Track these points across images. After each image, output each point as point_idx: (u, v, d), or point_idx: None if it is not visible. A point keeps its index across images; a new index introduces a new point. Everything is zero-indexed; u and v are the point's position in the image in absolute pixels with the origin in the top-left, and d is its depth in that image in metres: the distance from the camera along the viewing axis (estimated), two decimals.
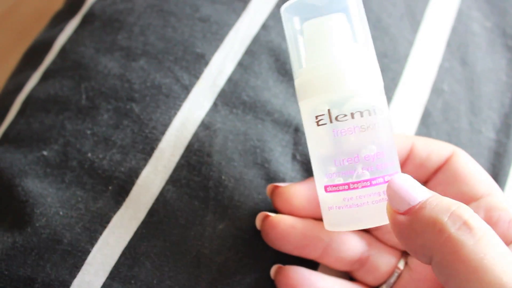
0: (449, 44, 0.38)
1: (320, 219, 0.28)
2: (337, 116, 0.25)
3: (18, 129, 0.34)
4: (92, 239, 0.30)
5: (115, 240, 0.30)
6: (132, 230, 0.30)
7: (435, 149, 0.29)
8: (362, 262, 0.29)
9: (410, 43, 0.37)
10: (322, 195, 0.27)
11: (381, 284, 0.30)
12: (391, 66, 0.36)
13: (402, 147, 0.29)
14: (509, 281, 0.20)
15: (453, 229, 0.21)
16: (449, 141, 0.35)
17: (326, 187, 0.26)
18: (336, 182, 0.26)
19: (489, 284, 0.20)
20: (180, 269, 0.29)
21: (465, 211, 0.22)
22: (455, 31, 0.39)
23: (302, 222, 0.29)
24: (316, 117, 0.26)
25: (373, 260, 0.29)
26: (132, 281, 0.29)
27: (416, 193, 0.23)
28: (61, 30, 0.38)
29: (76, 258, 0.29)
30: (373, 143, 0.25)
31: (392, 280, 0.29)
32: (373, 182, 0.25)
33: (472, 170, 0.28)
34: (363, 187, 0.25)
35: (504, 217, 0.26)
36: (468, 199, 0.28)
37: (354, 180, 0.25)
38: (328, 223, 0.27)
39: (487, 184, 0.28)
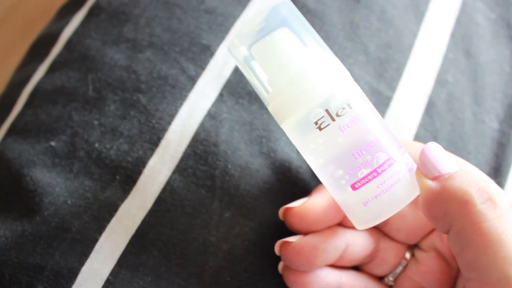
0: (453, 35, 0.38)
1: (337, 223, 0.28)
2: (337, 111, 0.25)
3: (26, 120, 0.34)
4: (100, 228, 0.30)
5: (122, 228, 0.30)
6: (139, 219, 0.30)
7: (415, 153, 0.27)
8: (372, 256, 0.30)
9: (415, 34, 0.37)
10: (348, 196, 0.26)
11: (388, 274, 0.30)
12: (396, 57, 0.36)
13: None
14: None
15: (479, 202, 0.22)
16: (453, 131, 0.35)
17: (353, 185, 0.26)
18: (361, 175, 0.25)
19: (504, 259, 0.21)
20: (187, 256, 0.30)
21: (493, 188, 0.23)
22: (459, 22, 0.39)
23: (322, 237, 0.28)
24: (316, 122, 0.25)
25: (382, 254, 0.30)
26: (140, 269, 0.29)
27: (447, 163, 0.24)
28: (67, 22, 0.39)
29: (84, 246, 0.30)
30: (377, 124, 0.26)
31: (398, 270, 0.30)
32: (393, 159, 0.25)
33: None
34: (389, 166, 0.25)
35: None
36: None
37: (378, 164, 0.25)
38: (363, 221, 0.26)
39: None
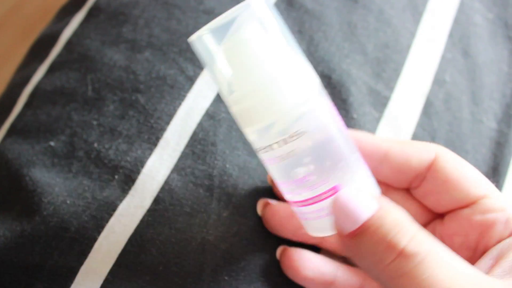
0: (451, 35, 0.38)
1: None
2: (260, 148, 0.24)
3: (26, 121, 0.35)
4: (99, 227, 0.30)
5: (121, 227, 0.30)
6: (138, 218, 0.30)
7: (415, 153, 0.27)
8: None
9: (412, 34, 0.38)
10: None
11: None
12: (393, 57, 0.36)
13: (375, 150, 0.27)
14: None
15: (388, 260, 0.21)
16: (451, 131, 0.35)
17: (287, 200, 0.26)
18: (289, 199, 0.26)
19: None
20: (185, 256, 0.30)
21: (403, 238, 0.21)
22: (457, 22, 0.39)
23: None
24: (253, 145, 0.25)
25: None
26: (139, 268, 0.29)
27: (358, 214, 0.22)
28: (67, 23, 0.39)
29: (83, 245, 0.30)
30: (303, 165, 0.24)
31: None
32: (315, 199, 0.24)
33: (462, 173, 0.26)
34: (308, 205, 0.25)
35: (500, 218, 0.25)
36: (463, 205, 0.26)
37: (299, 199, 0.25)
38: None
39: (481, 186, 0.26)
